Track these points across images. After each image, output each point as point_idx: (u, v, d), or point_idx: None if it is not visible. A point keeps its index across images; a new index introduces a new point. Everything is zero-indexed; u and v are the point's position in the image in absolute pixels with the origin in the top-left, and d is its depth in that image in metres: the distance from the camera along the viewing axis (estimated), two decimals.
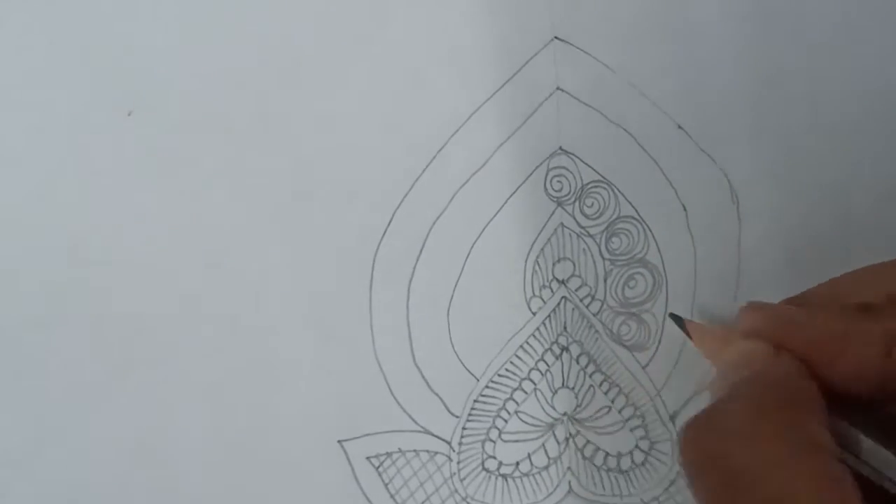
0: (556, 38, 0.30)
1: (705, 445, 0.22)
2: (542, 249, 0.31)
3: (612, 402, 0.31)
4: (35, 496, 0.29)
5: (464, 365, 0.31)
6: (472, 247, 0.30)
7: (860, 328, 0.24)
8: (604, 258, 0.31)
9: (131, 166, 0.29)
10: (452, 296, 0.30)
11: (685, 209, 0.31)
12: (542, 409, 0.31)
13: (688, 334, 0.29)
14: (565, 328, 0.31)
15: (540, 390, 0.31)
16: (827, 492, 0.20)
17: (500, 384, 0.31)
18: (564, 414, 0.31)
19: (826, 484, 0.21)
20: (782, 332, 0.24)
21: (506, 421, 0.31)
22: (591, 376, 0.31)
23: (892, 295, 0.24)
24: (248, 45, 0.29)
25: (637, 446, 0.31)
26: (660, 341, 0.31)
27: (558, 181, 0.31)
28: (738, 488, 0.21)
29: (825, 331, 0.24)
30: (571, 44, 0.30)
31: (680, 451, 0.22)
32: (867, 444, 0.23)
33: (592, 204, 0.31)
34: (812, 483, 0.20)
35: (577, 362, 0.31)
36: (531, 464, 0.31)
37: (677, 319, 0.30)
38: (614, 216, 0.31)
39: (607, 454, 0.31)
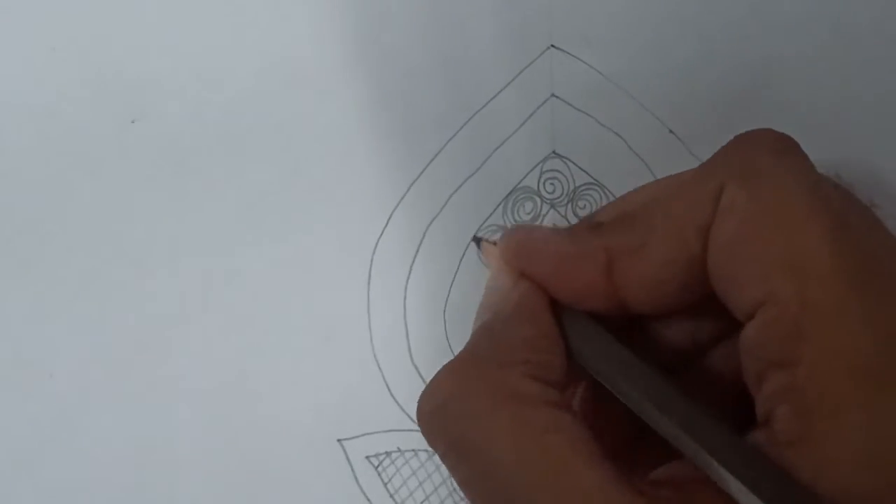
0: (552, 45, 0.30)
1: (429, 424, 0.22)
2: None
3: None
4: (35, 496, 0.29)
5: None
6: (467, 247, 0.31)
7: (584, 245, 0.23)
8: None
9: (134, 173, 0.29)
10: (449, 295, 0.31)
11: None
12: None
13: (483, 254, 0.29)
14: None
15: None
16: (522, 443, 0.20)
17: None
18: None
19: (522, 436, 0.20)
20: (524, 256, 0.24)
21: None
22: None
23: (622, 214, 0.24)
24: (248, 51, 0.29)
25: None
26: None
27: (551, 183, 0.31)
28: (460, 458, 0.21)
29: (552, 251, 0.24)
30: (567, 51, 0.31)
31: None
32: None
33: (585, 206, 0.31)
34: (508, 439, 0.20)
35: None
36: None
37: (477, 241, 0.28)
38: None
39: None
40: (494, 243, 0.26)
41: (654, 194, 0.24)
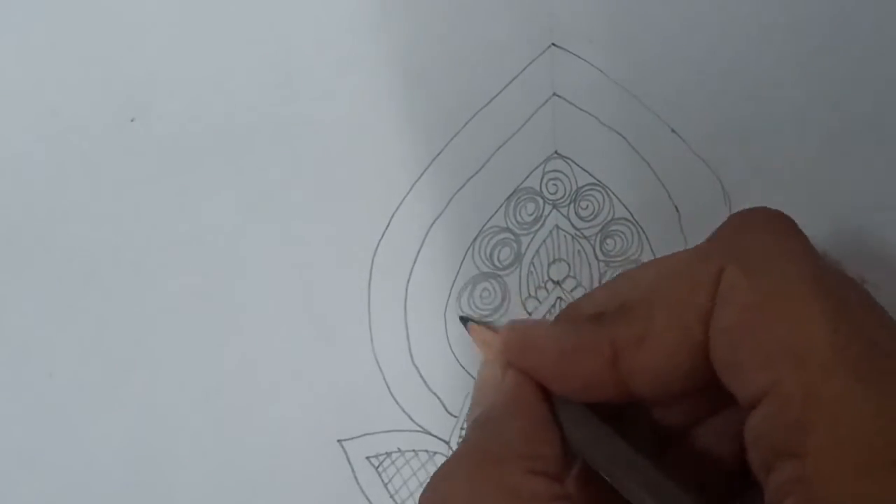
0: (553, 44, 0.30)
1: None
2: (538, 251, 0.31)
3: None
4: (35, 496, 0.29)
5: (461, 365, 0.31)
6: (468, 248, 0.31)
7: (587, 339, 0.23)
8: (598, 259, 0.32)
9: (134, 172, 0.29)
10: (449, 296, 0.31)
11: (678, 211, 0.32)
12: None
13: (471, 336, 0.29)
14: None
15: None
16: None
17: None
18: None
19: None
20: (527, 352, 0.24)
21: None
22: None
23: (624, 304, 0.23)
24: (248, 50, 0.29)
25: None
26: None
27: (554, 184, 0.31)
28: None
29: (554, 345, 0.24)
30: (568, 50, 0.30)
31: None
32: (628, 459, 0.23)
33: (587, 206, 0.31)
34: None
35: None
36: None
37: (464, 321, 0.30)
38: (609, 218, 0.31)
39: None
40: (481, 325, 0.26)
41: (653, 279, 0.24)
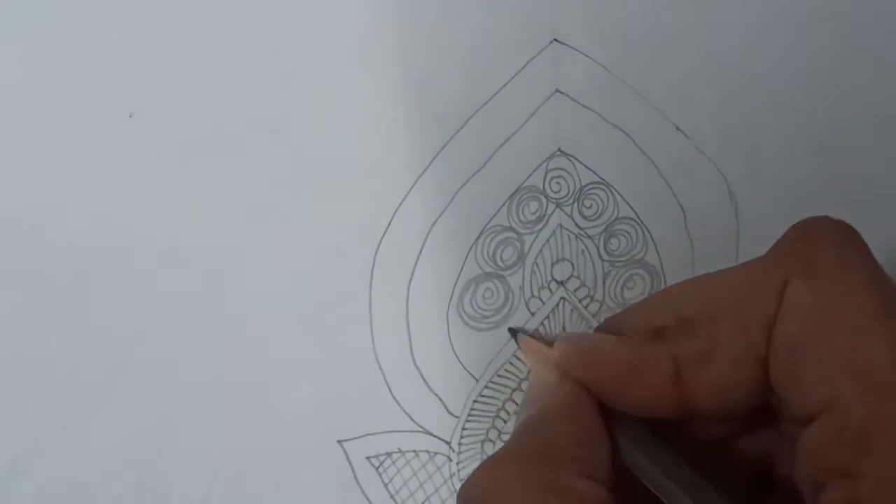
0: (555, 40, 0.30)
1: None
2: (541, 250, 0.31)
3: None
4: (35, 496, 0.29)
5: (463, 365, 0.31)
6: (470, 248, 0.31)
7: (649, 354, 0.23)
8: (602, 259, 0.31)
9: (132, 168, 0.29)
10: (451, 296, 0.31)
11: (683, 210, 0.31)
12: None
13: (520, 348, 0.29)
14: (564, 329, 0.31)
15: None
16: None
17: (500, 385, 0.31)
18: None
19: None
20: (587, 366, 0.24)
21: (505, 421, 0.31)
22: None
23: (681, 317, 0.23)
24: (248, 46, 0.29)
25: None
26: None
27: (557, 182, 0.31)
28: None
29: (615, 360, 0.24)
30: (571, 46, 0.30)
31: None
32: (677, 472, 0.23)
33: (591, 205, 0.31)
34: None
35: None
36: None
37: (513, 333, 0.30)
38: (613, 217, 0.31)
39: None
40: (533, 337, 0.26)
41: (714, 292, 0.23)
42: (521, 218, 0.31)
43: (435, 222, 0.30)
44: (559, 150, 0.31)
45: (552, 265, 0.31)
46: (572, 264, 0.31)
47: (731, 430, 0.25)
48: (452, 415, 0.31)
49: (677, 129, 0.31)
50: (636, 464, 0.24)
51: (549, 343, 0.27)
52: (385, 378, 0.30)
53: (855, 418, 0.20)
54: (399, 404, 0.31)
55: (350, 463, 0.31)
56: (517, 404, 0.31)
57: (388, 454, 0.31)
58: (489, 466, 0.22)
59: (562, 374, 0.25)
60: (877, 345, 0.20)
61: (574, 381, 0.24)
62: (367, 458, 0.31)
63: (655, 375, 0.23)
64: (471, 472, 0.29)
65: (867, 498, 0.19)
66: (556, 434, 0.23)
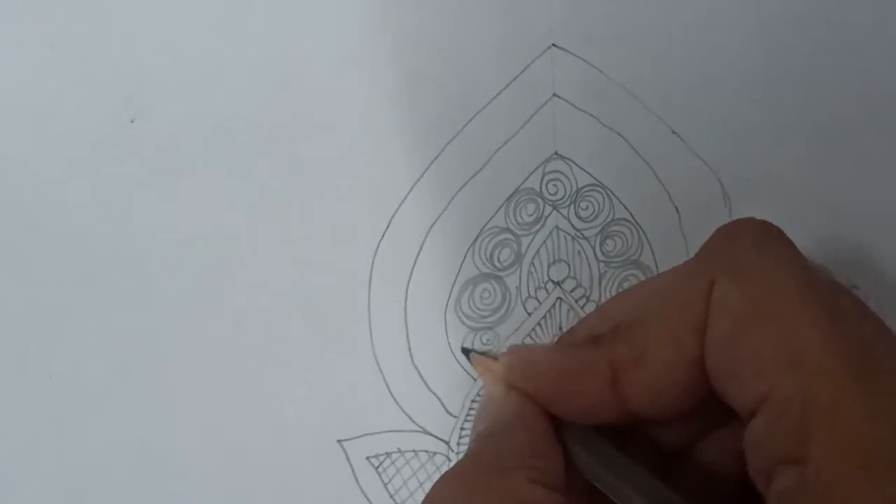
0: (553, 45, 0.30)
1: None
2: (538, 251, 0.31)
3: None
4: (35, 496, 0.29)
5: (461, 365, 0.31)
6: (468, 249, 0.31)
7: (585, 360, 0.23)
8: (598, 260, 0.32)
9: (134, 172, 0.29)
10: (450, 297, 0.31)
11: (678, 211, 0.32)
12: None
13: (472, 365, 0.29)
14: (560, 329, 0.31)
15: None
16: None
17: None
18: None
19: None
20: (529, 377, 0.24)
21: None
22: None
23: (616, 324, 0.24)
24: (247, 49, 0.29)
25: None
26: None
27: (554, 185, 0.31)
28: None
29: (552, 368, 0.24)
30: (568, 51, 0.30)
31: None
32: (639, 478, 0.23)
33: (587, 207, 0.31)
34: None
35: None
36: None
37: (465, 352, 0.29)
38: (609, 219, 0.31)
39: None
40: (482, 354, 0.26)
41: (646, 298, 0.24)
42: (519, 219, 0.31)
43: (433, 224, 0.30)
44: (556, 153, 0.31)
45: (549, 266, 0.31)
46: (569, 265, 0.31)
47: (688, 436, 0.25)
48: (451, 414, 0.31)
49: (672, 132, 0.31)
50: (588, 468, 0.24)
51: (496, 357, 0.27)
52: (384, 378, 0.31)
53: (794, 406, 0.20)
54: (398, 404, 0.31)
55: (350, 463, 0.31)
56: None
57: (388, 454, 0.31)
58: (443, 484, 0.22)
59: (507, 388, 0.25)
60: (806, 332, 0.20)
61: (519, 393, 0.24)
62: (367, 457, 0.31)
63: (592, 381, 0.23)
64: None
65: (814, 480, 0.19)
66: (506, 445, 0.23)
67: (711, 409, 0.23)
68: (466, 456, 0.23)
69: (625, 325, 0.23)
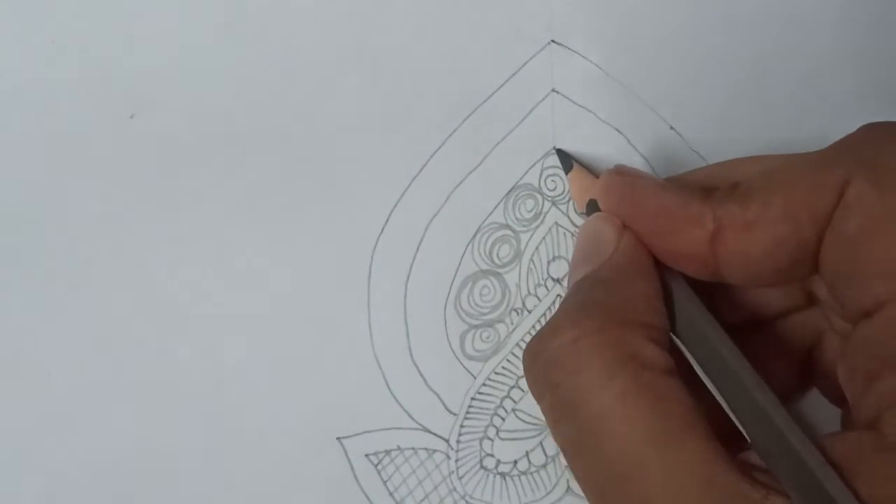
0: (552, 41, 0.30)
1: (536, 375, 0.22)
2: (537, 248, 0.31)
3: None
4: (33, 496, 0.29)
5: (461, 363, 0.31)
6: (467, 245, 0.31)
7: (693, 207, 0.23)
8: None
9: (133, 168, 0.29)
10: (449, 294, 0.31)
11: None
12: None
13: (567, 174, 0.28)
14: None
15: None
16: (638, 409, 0.20)
17: (497, 382, 0.31)
18: None
19: (639, 402, 0.20)
20: (627, 203, 0.24)
21: (503, 419, 0.31)
22: None
23: (735, 183, 0.23)
24: (248, 46, 0.29)
25: None
26: None
27: (552, 180, 0.31)
28: (565, 415, 0.21)
29: (659, 201, 0.23)
30: (567, 46, 0.30)
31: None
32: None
33: None
34: (624, 403, 0.20)
35: None
36: (529, 462, 0.32)
37: (560, 155, 0.28)
38: None
39: None
40: (581, 168, 0.24)
41: (772, 171, 0.23)
42: (518, 216, 0.31)
43: (432, 220, 0.30)
44: (555, 148, 0.31)
45: (548, 263, 0.31)
46: (568, 262, 0.31)
47: (769, 310, 0.25)
48: (451, 412, 0.31)
49: (670, 127, 0.31)
50: (685, 335, 0.23)
51: (597, 176, 0.26)
52: (384, 376, 0.31)
53: None
54: (398, 402, 0.31)
55: (349, 460, 0.31)
56: (515, 402, 0.31)
57: (387, 452, 0.31)
58: (557, 324, 0.21)
59: (619, 230, 0.24)
60: None
61: (633, 237, 0.23)
62: (366, 455, 0.31)
63: (694, 229, 0.23)
64: (469, 465, 0.30)
65: None
66: (625, 293, 0.22)
67: (793, 293, 0.23)
68: (577, 298, 0.22)
69: (744, 187, 0.23)
